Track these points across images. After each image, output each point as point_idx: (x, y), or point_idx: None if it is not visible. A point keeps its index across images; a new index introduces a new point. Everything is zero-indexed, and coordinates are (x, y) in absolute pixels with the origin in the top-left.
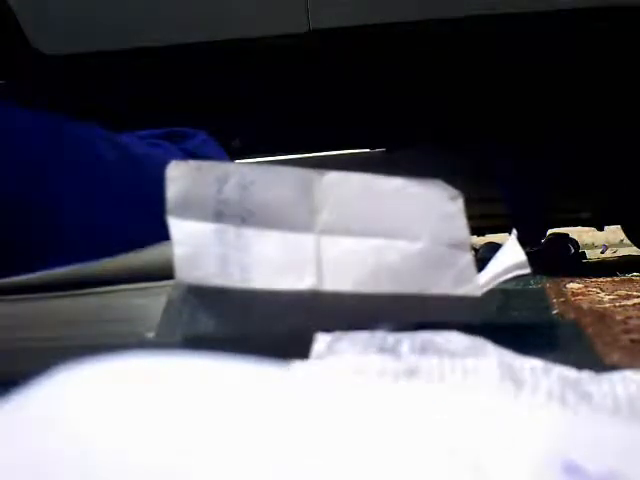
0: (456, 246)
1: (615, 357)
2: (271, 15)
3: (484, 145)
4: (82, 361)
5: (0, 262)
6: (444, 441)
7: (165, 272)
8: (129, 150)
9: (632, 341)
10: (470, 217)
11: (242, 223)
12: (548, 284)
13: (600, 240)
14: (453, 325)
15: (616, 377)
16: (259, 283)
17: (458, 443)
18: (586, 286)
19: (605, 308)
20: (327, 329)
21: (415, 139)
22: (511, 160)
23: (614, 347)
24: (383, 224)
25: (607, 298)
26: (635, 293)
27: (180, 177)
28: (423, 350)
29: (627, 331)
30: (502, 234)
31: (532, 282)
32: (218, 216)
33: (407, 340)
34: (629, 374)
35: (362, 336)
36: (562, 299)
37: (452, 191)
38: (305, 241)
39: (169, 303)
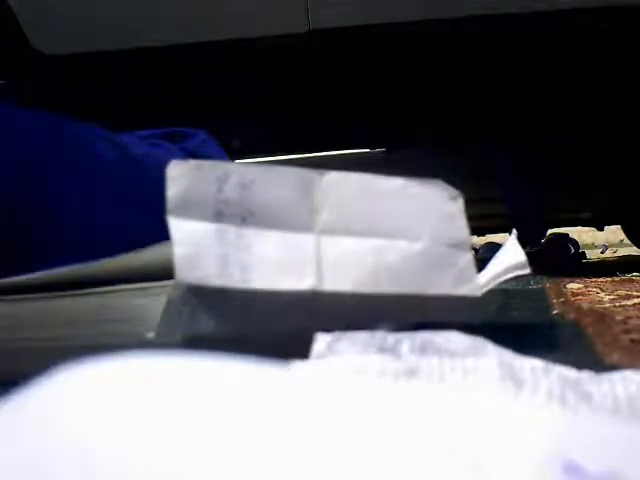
0: (456, 246)
1: (615, 357)
2: (271, 15)
3: (484, 145)
4: (82, 361)
5: (0, 262)
6: (444, 441)
7: (165, 272)
8: (129, 150)
9: (632, 341)
10: (470, 217)
11: (242, 223)
12: (548, 284)
13: (600, 240)
14: (453, 325)
15: (616, 377)
16: (259, 283)
17: (458, 443)
18: (586, 286)
19: (605, 308)
20: (327, 329)
21: (415, 139)
22: (511, 160)
23: (614, 347)
24: (383, 224)
25: (607, 298)
26: (635, 293)
27: (180, 177)
28: (423, 350)
29: (627, 331)
30: (502, 234)
31: (532, 282)
32: (218, 216)
33: (407, 340)
34: (629, 374)
35: (362, 336)
36: (562, 299)
37: (452, 191)
38: (305, 241)
39: (169, 303)
